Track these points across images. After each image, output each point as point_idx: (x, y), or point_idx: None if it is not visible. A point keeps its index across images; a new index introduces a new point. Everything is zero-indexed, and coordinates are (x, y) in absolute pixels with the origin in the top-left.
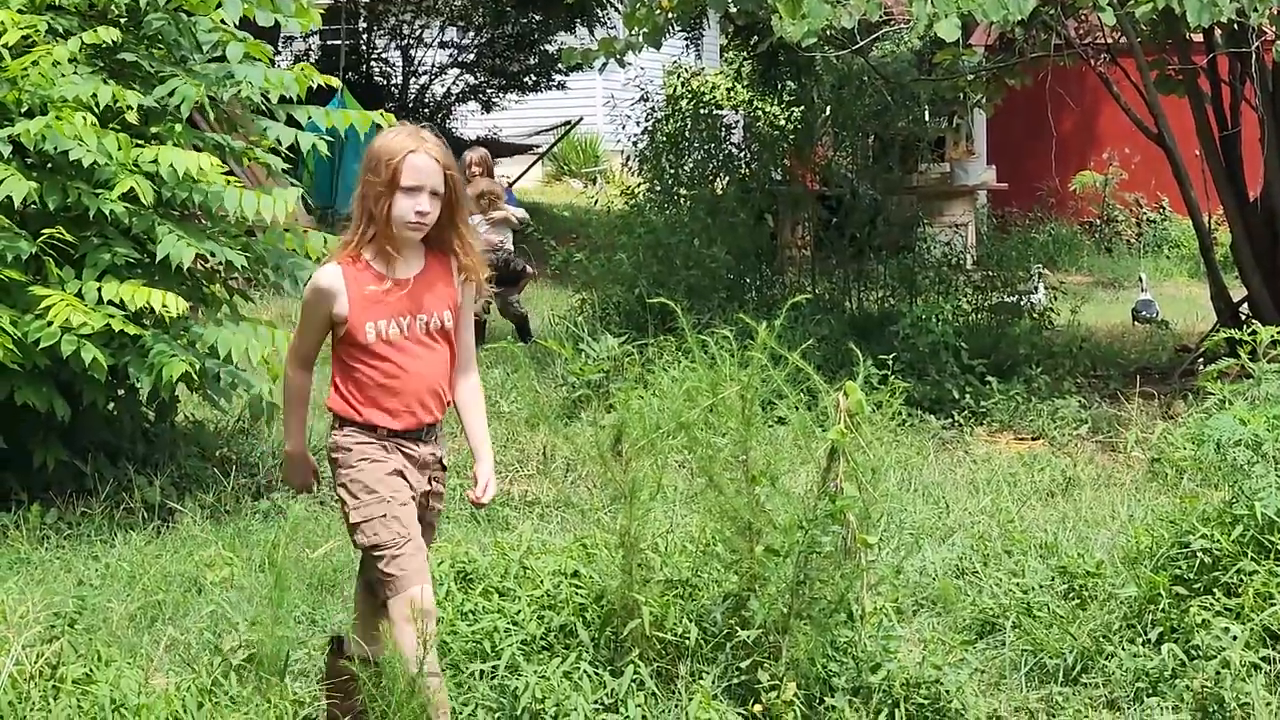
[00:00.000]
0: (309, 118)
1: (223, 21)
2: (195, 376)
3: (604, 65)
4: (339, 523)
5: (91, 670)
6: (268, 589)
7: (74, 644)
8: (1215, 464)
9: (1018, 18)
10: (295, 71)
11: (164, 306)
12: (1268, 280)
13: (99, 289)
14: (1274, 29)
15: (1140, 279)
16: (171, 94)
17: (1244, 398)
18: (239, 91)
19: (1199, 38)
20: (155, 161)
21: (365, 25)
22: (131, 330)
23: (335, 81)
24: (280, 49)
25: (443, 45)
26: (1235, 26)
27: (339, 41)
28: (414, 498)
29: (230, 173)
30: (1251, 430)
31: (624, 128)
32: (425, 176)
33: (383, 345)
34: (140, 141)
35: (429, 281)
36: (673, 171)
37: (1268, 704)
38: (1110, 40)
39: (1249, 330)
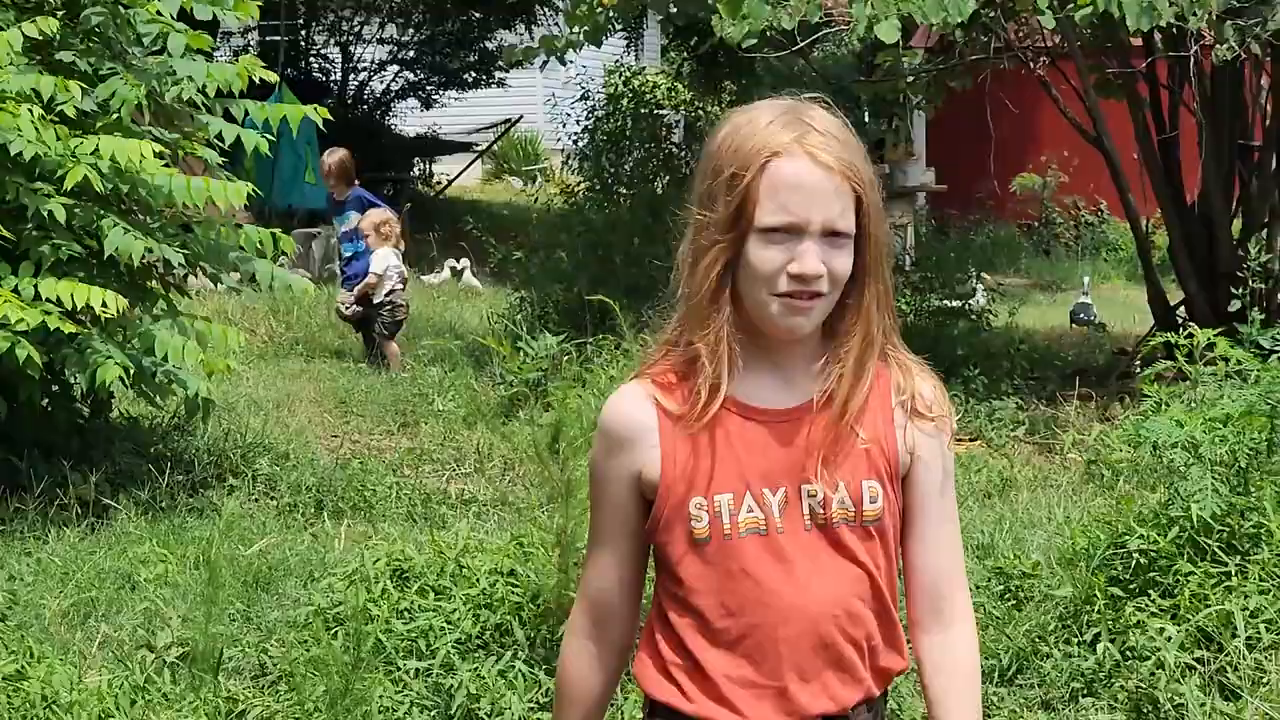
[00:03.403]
0: (245, 112)
1: (158, 12)
2: (130, 377)
3: (545, 63)
4: (273, 519)
5: (23, 667)
6: (202, 586)
7: (6, 640)
8: (1152, 466)
9: (957, 20)
10: (239, 65)
11: (103, 306)
12: (1204, 284)
13: (35, 285)
14: (1212, 33)
15: (1084, 282)
16: (112, 95)
17: (1180, 400)
18: (180, 93)
19: (1138, 42)
20: (96, 152)
21: (304, 21)
22: (69, 329)
23: (274, 76)
24: (218, 44)
25: (382, 42)
26: (1174, 31)
27: (278, 38)
28: None
29: (168, 165)
30: (1188, 432)
31: (564, 126)
32: (810, 204)
33: (725, 546)
34: (79, 132)
35: (830, 420)
36: (613, 170)
37: (1201, 704)
38: (1050, 44)
39: (1186, 333)
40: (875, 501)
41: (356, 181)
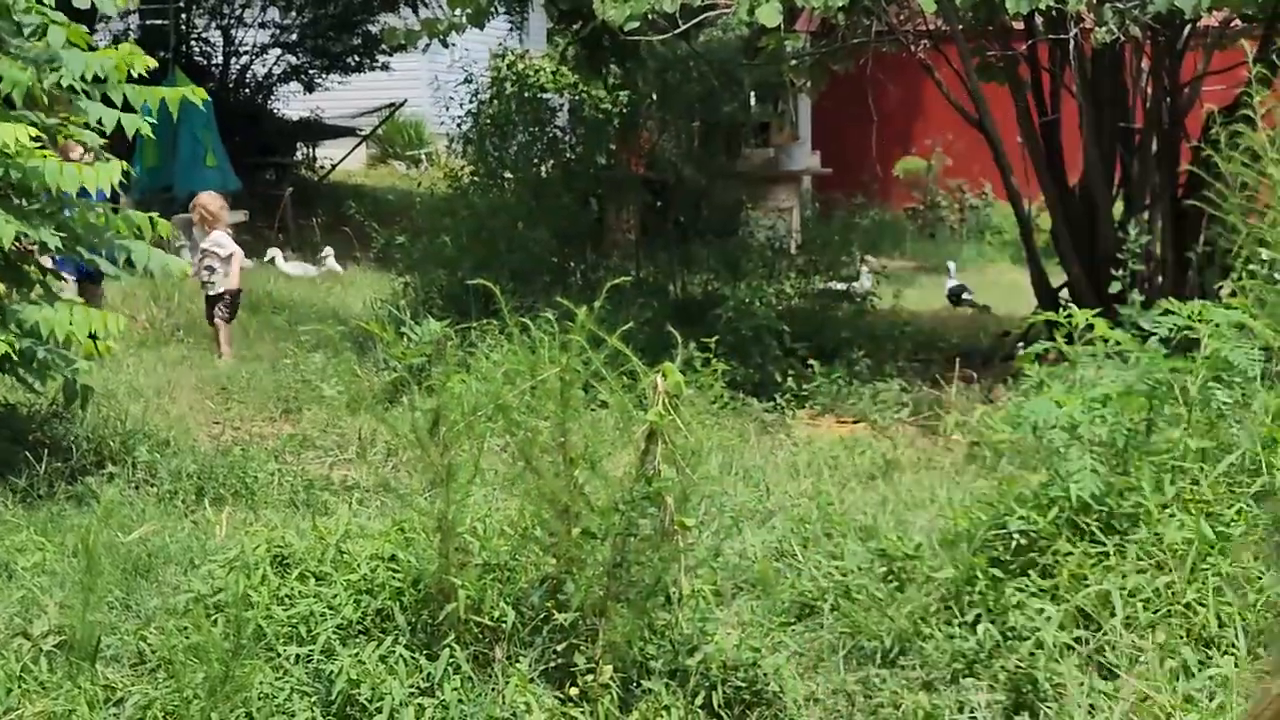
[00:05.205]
0: (124, 95)
1: (40, 2)
2: (14, 357)
3: (427, 46)
4: (154, 506)
5: None
6: (80, 574)
7: None
8: (1033, 447)
9: (839, 3)
10: (120, 54)
11: None
12: (1086, 266)
13: None
14: (1092, 16)
15: (949, 267)
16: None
17: (1060, 381)
18: (60, 80)
19: (1020, 25)
20: None
21: (184, 4)
22: None
23: (153, 62)
24: (98, 26)
25: (264, 25)
26: (1054, 14)
27: (160, 21)
28: None
29: (44, 148)
30: (1067, 413)
31: (448, 110)
32: None
33: None
34: None
35: None
36: (497, 155)
37: (1080, 683)
38: (931, 27)
39: (1066, 314)
40: None
41: None
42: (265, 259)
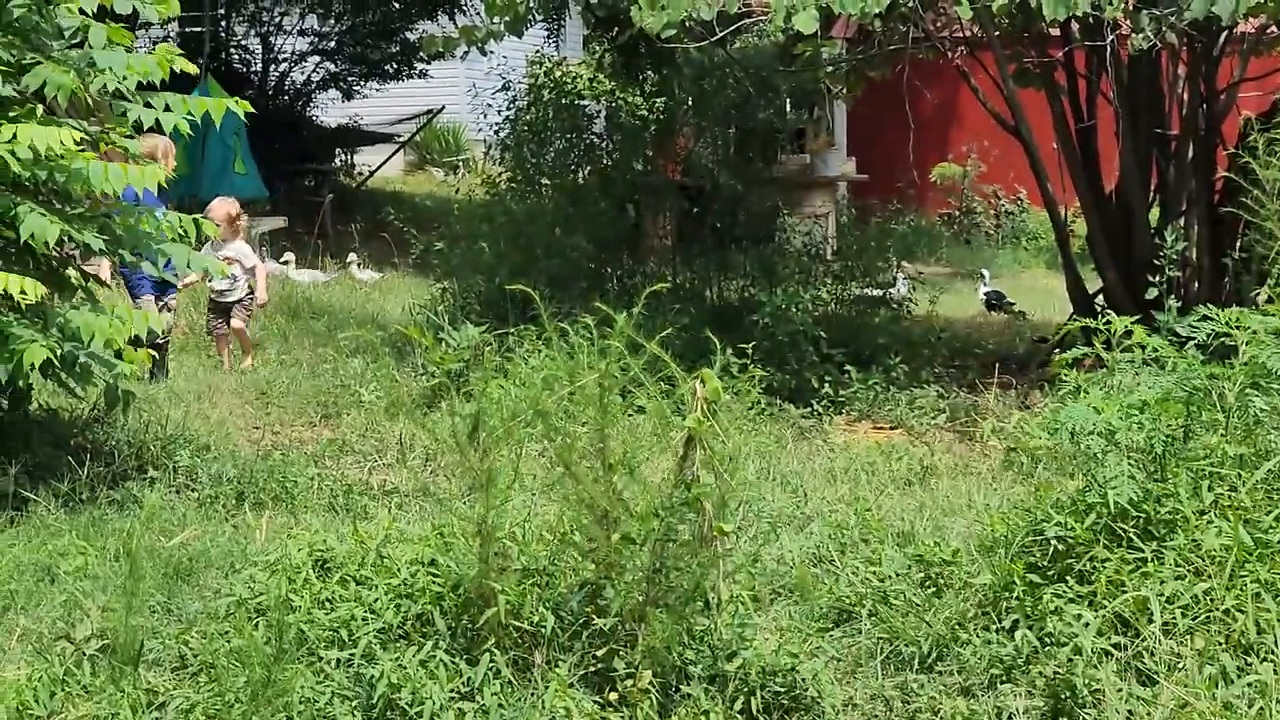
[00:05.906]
0: (165, 105)
1: (81, 10)
2: (56, 362)
3: (465, 53)
4: (194, 511)
5: None
6: (122, 578)
7: None
8: (1070, 453)
9: (875, 10)
10: (157, 55)
11: (21, 293)
12: (1122, 272)
13: None
14: (1128, 22)
15: (983, 273)
16: (43, 85)
17: (1098, 387)
18: (105, 84)
19: (1056, 31)
20: (14, 139)
21: (224, 12)
22: None
23: (194, 68)
24: (138, 35)
25: (303, 32)
26: (1091, 20)
27: (199, 29)
28: None
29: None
30: (1105, 419)
31: (485, 117)
32: None
33: None
34: None
35: None
36: (534, 161)
37: (1118, 690)
38: (968, 33)
39: (1103, 320)
40: None
41: None
42: (280, 261)
